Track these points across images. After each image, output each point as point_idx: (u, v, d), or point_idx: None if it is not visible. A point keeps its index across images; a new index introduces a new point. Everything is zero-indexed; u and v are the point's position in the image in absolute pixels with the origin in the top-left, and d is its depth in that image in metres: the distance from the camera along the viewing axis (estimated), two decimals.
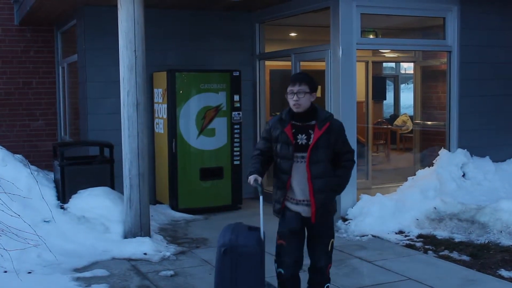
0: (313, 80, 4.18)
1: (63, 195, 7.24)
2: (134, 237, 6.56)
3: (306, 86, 4.10)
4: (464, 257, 6.08)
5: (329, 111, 7.69)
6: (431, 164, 8.39)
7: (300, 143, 4.12)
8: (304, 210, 4.17)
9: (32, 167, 7.32)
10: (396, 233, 7.01)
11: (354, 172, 7.62)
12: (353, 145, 7.61)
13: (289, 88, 4.13)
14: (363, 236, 6.93)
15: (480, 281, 5.43)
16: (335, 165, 4.20)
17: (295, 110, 4.13)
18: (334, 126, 4.15)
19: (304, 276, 4.39)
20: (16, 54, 10.81)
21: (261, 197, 4.16)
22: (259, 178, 4.12)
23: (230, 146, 8.52)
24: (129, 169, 6.57)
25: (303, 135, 4.12)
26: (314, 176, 4.09)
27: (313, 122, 4.13)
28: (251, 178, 4.13)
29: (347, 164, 4.24)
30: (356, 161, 4.26)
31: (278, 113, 4.24)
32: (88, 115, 8.60)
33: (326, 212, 4.21)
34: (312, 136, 4.09)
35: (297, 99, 4.08)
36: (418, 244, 6.57)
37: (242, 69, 8.83)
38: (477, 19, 8.56)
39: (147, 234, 6.65)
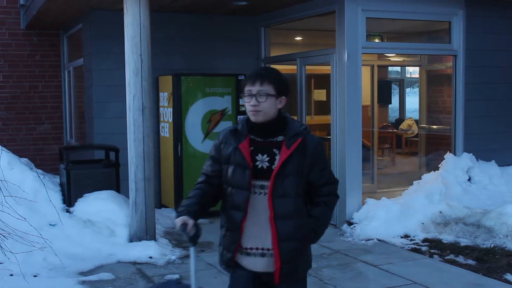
0: (283, 79, 2.99)
1: (69, 199, 7.26)
2: (140, 240, 6.57)
3: (271, 86, 2.91)
4: (470, 262, 6.07)
5: (335, 115, 7.73)
6: (436, 168, 8.38)
7: (259, 166, 2.92)
8: (261, 264, 2.95)
9: (38, 170, 7.33)
10: (401, 237, 7.00)
11: (359, 176, 7.69)
12: (359, 149, 7.67)
13: (247, 88, 2.95)
14: (369, 240, 6.92)
15: (486, 285, 5.41)
16: (309, 200, 3.03)
17: (253, 119, 2.94)
18: (308, 144, 2.93)
19: None
20: (22, 58, 10.86)
21: (191, 249, 2.96)
22: (190, 222, 2.86)
23: None
24: (135, 173, 6.59)
25: (265, 155, 2.92)
26: (279, 216, 2.89)
27: (280, 138, 2.94)
28: (178, 222, 2.86)
29: (327, 201, 3.01)
30: (339, 196, 3.12)
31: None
32: (93, 119, 8.63)
33: (296, 270, 2.97)
34: (277, 157, 2.90)
35: (255, 103, 2.89)
36: (424, 248, 6.56)
37: (247, 73, 8.79)
38: (482, 23, 8.56)
39: (153, 237, 6.65)
